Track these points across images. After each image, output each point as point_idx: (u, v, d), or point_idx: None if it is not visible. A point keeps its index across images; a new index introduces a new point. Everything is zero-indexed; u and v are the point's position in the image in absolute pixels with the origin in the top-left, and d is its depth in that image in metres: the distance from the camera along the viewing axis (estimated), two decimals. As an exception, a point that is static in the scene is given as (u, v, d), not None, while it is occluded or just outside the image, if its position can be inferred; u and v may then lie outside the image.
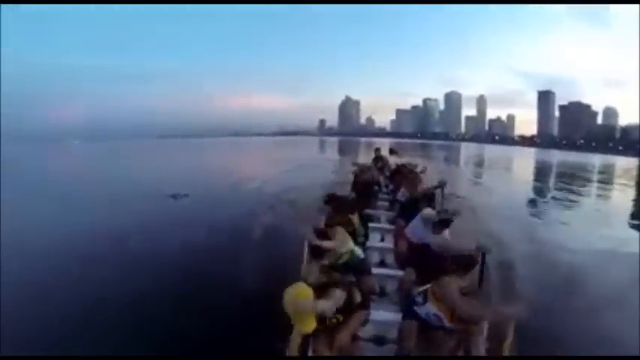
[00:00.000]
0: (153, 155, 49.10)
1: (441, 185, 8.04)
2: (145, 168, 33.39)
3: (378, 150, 14.30)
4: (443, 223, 5.45)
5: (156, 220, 12.49)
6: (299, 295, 3.10)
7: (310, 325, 3.11)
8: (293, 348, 3.33)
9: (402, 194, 8.14)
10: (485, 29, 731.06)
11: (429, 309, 3.64)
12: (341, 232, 4.85)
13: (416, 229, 5.78)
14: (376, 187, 10.24)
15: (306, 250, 4.34)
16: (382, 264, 6.28)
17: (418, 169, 10.53)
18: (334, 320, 3.47)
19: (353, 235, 5.28)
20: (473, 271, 3.97)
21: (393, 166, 12.37)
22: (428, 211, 5.83)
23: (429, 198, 7.43)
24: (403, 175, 9.90)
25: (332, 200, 6.22)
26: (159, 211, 13.83)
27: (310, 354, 3.47)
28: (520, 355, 4.04)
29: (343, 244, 4.72)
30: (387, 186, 11.03)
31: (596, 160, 68.12)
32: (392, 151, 14.08)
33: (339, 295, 3.45)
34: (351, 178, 10.89)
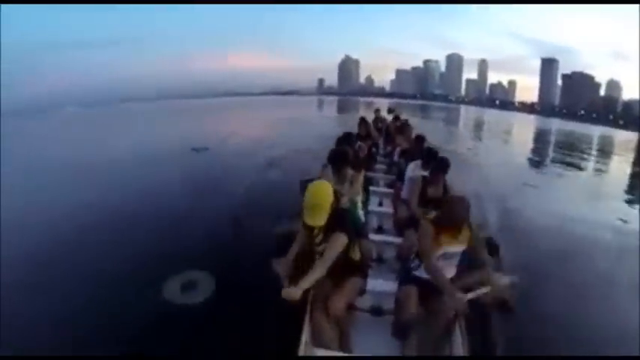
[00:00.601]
0: (154, 117, 46.99)
1: (421, 139, 7.86)
2: (146, 130, 32.13)
3: (377, 110, 14.40)
4: (428, 163, 5.58)
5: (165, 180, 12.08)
6: (322, 188, 3.17)
7: (320, 219, 3.09)
8: (288, 260, 3.36)
9: (398, 154, 8.25)
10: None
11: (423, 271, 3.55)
12: (359, 179, 4.92)
13: (408, 188, 5.76)
14: (374, 149, 10.10)
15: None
16: (380, 230, 6.15)
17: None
18: (318, 243, 3.34)
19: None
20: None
21: (388, 122, 12.70)
22: (412, 165, 6.06)
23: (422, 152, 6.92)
24: (396, 129, 10.37)
25: (349, 139, 6.53)
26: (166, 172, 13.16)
27: (306, 324, 3.36)
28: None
29: (357, 192, 4.80)
30: (385, 148, 11.04)
31: (596, 131, 68.14)
32: (390, 111, 14.10)
33: (355, 283, 3.48)
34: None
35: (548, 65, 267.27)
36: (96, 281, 5.46)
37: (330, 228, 3.18)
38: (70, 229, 7.76)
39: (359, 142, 8.34)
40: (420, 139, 7.79)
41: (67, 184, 12.21)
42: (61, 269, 5.96)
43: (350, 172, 4.87)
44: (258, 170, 12.06)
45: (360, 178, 4.97)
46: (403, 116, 13.93)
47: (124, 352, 4.07)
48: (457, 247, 3.49)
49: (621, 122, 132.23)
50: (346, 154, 4.93)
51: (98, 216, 8.62)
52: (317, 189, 3.15)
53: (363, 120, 10.50)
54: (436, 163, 5.28)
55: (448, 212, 3.41)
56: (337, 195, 3.30)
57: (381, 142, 11.33)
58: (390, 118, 13.37)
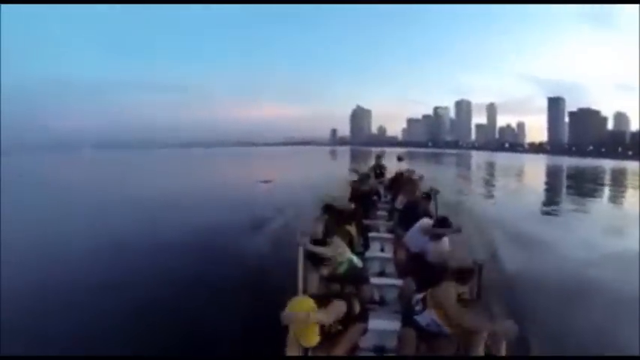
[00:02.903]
0: (166, 164, 50.86)
1: (433, 193, 8.24)
2: (155, 176, 35.53)
3: (378, 157, 14.09)
4: (441, 234, 5.39)
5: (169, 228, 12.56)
6: (302, 307, 3.13)
7: (313, 339, 3.14)
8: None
9: (401, 202, 8.11)
10: (494, 36, 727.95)
11: (428, 316, 3.69)
12: (338, 242, 4.78)
13: (414, 238, 5.78)
14: (375, 197, 9.99)
15: (301, 258, 4.33)
16: (382, 274, 6.26)
17: (415, 176, 10.49)
18: (333, 330, 3.45)
19: (351, 245, 5.27)
20: (472, 281, 3.98)
21: (392, 174, 12.31)
22: (426, 222, 5.84)
23: (424, 208, 7.24)
24: (401, 182, 9.97)
25: (328, 210, 6.10)
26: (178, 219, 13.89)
27: None
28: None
29: (340, 253, 4.60)
30: (386, 195, 10.98)
31: (605, 165, 69.52)
32: (399, 159, 13.59)
33: (339, 306, 3.45)
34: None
35: (555, 104, 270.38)
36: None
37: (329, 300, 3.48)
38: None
39: (346, 203, 7.98)
40: (428, 196, 7.98)
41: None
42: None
43: (331, 240, 4.83)
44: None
45: (337, 241, 4.83)
46: (414, 167, 14.11)
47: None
48: (451, 332, 3.65)
49: (630, 153, 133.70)
50: (321, 241, 4.82)
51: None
52: (293, 309, 3.13)
53: (377, 164, 11.92)
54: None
55: (464, 277, 3.79)
56: (326, 303, 3.39)
57: (382, 189, 11.24)
58: (400, 165, 12.87)
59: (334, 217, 5.91)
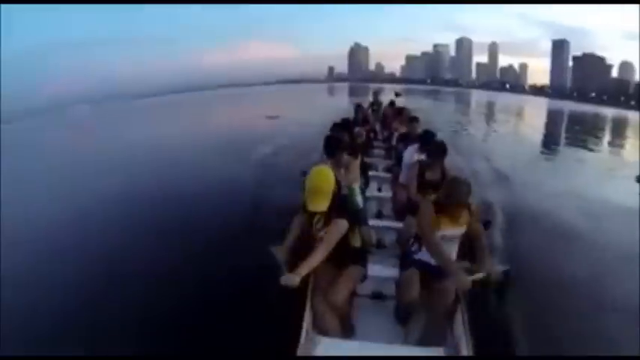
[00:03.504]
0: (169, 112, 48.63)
1: (415, 120, 7.73)
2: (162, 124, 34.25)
3: (375, 94, 14.33)
4: (424, 147, 5.48)
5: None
6: (323, 174, 3.16)
7: (323, 204, 3.08)
8: (286, 246, 3.35)
9: (396, 138, 8.11)
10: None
11: (425, 254, 3.56)
12: (356, 165, 4.83)
13: (406, 173, 5.67)
14: (372, 135, 9.99)
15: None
16: (379, 215, 6.19)
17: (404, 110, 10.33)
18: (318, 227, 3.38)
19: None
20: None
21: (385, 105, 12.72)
22: (409, 149, 6.00)
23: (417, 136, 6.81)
24: (393, 113, 10.25)
25: (343, 126, 6.17)
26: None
27: (307, 311, 3.37)
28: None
29: (355, 177, 4.64)
30: (382, 133, 10.93)
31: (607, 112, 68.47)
32: (397, 94, 13.93)
33: (357, 272, 3.50)
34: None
35: (559, 47, 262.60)
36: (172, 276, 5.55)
37: (330, 214, 3.21)
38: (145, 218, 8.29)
39: (357, 128, 8.16)
40: (414, 119, 7.71)
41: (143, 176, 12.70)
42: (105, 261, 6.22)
43: (346, 157, 4.82)
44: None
45: (357, 163, 4.95)
46: (411, 103, 14.32)
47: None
48: (456, 230, 3.51)
49: (632, 103, 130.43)
50: (340, 141, 4.86)
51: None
52: (318, 174, 3.16)
53: (359, 106, 10.42)
54: (432, 147, 5.18)
55: (448, 193, 3.40)
56: (338, 181, 3.30)
57: (378, 126, 11.27)
58: (396, 100, 13.21)
59: (349, 137, 5.88)
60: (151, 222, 7.91)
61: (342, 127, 6.54)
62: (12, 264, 5.90)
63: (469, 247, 3.64)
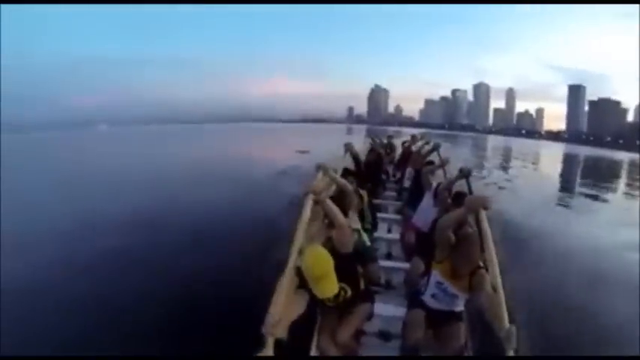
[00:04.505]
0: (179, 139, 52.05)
1: (465, 173, 6.08)
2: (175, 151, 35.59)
3: (389, 137, 14.13)
4: (457, 196, 4.82)
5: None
6: (321, 257, 2.88)
7: (332, 287, 2.87)
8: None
9: (409, 174, 7.97)
10: (516, 20, 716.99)
11: (432, 282, 3.46)
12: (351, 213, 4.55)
13: (422, 216, 5.47)
14: (384, 176, 9.78)
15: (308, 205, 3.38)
16: (389, 256, 6.08)
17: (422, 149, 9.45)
18: (343, 293, 3.20)
19: (361, 216, 5.04)
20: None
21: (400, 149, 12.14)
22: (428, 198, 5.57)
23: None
24: (407, 154, 9.83)
25: (345, 171, 5.85)
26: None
27: (313, 350, 3.42)
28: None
29: (352, 219, 4.39)
30: (394, 175, 10.72)
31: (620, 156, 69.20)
32: (413, 138, 12.46)
33: (365, 310, 3.45)
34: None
35: (576, 92, 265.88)
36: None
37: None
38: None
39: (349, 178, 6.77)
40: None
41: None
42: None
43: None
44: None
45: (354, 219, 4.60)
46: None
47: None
48: (457, 289, 3.34)
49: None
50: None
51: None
52: (316, 258, 2.88)
53: (388, 143, 11.73)
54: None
55: (458, 252, 3.28)
56: (334, 249, 3.14)
57: (391, 168, 11.10)
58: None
59: (350, 178, 5.33)
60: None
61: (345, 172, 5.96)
62: (13, 275, 6.38)
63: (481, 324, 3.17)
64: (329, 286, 2.86)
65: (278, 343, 2.51)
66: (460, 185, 5.32)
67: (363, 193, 5.35)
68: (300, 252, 3.02)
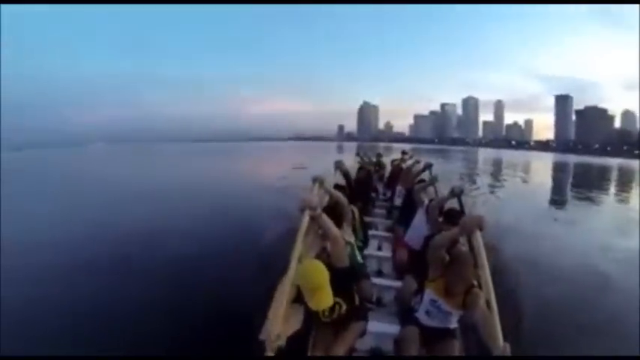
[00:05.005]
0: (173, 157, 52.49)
1: (457, 191, 5.97)
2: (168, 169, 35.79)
3: (379, 155, 14.09)
4: (452, 212, 4.82)
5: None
6: (317, 270, 2.88)
7: (327, 300, 2.87)
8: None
9: (399, 193, 7.96)
10: (503, 34, 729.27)
11: (426, 300, 3.44)
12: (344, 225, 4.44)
13: (415, 234, 5.37)
14: (374, 194, 9.83)
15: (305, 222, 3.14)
16: (380, 273, 6.05)
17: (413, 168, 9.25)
18: (338, 308, 3.24)
19: (354, 231, 4.97)
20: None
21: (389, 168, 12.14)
22: (420, 216, 5.51)
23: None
24: (397, 172, 9.85)
25: (336, 186, 5.66)
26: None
27: None
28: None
29: (346, 233, 4.27)
30: (384, 193, 10.71)
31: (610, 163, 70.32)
32: (403, 153, 12.61)
33: (358, 328, 3.42)
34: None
35: (562, 101, 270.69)
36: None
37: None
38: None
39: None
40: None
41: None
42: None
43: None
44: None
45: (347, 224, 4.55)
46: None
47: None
48: (450, 307, 3.32)
49: (636, 152, 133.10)
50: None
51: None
52: (311, 271, 2.87)
53: (377, 162, 11.48)
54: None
55: (452, 271, 3.28)
56: (330, 264, 3.08)
57: (381, 186, 11.13)
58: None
59: (346, 190, 5.51)
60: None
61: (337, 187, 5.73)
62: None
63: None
64: (324, 299, 2.85)
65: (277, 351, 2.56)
66: (451, 202, 5.34)
67: (355, 209, 5.25)
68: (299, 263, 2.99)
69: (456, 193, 5.43)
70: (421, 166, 8.39)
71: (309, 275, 2.83)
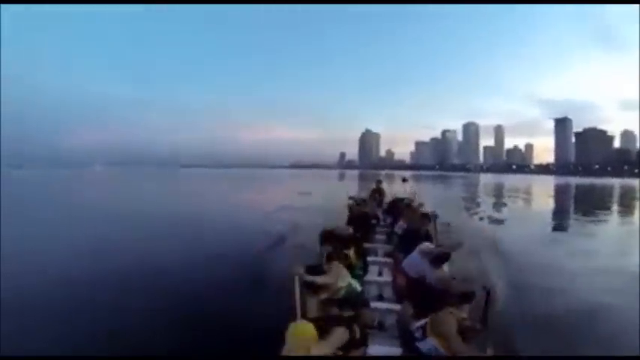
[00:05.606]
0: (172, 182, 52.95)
1: (432, 217, 7.68)
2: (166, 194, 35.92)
3: (379, 182, 14.33)
4: (441, 258, 5.35)
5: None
6: (304, 333, 3.04)
7: (303, 354, 3.00)
8: None
9: (400, 226, 8.00)
10: (501, 60, 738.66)
11: (430, 342, 3.56)
12: (337, 267, 4.70)
13: (413, 263, 5.65)
14: (374, 221, 9.91)
15: (297, 286, 3.83)
16: (380, 298, 6.13)
17: (415, 204, 10.12)
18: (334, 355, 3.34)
19: (350, 269, 5.10)
20: (477, 305, 3.71)
21: (390, 199, 12.39)
22: (426, 245, 5.75)
23: (426, 233, 7.00)
24: (400, 207, 9.94)
25: (327, 237, 5.82)
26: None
27: None
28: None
29: (340, 278, 4.53)
30: (385, 219, 10.80)
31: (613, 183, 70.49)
32: (404, 180, 13.43)
33: (340, 334, 3.43)
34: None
35: (562, 124, 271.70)
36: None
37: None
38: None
39: (339, 227, 7.13)
40: (426, 216, 7.52)
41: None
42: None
43: (327, 267, 4.74)
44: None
45: (335, 266, 4.70)
46: (420, 189, 14.22)
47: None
48: (451, 353, 3.42)
49: (637, 171, 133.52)
50: (318, 269, 4.61)
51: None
52: (297, 333, 3.03)
53: (350, 207, 10.32)
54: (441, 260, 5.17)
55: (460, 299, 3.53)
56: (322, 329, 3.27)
57: (380, 213, 11.14)
58: (405, 186, 12.98)
59: (333, 244, 5.56)
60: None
61: (323, 239, 5.99)
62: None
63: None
64: (301, 353, 2.98)
65: None
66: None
67: (349, 252, 5.51)
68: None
69: (433, 218, 6.40)
70: (424, 210, 8.66)
71: (294, 335, 2.99)
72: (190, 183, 51.58)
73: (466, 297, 3.63)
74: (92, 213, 19.50)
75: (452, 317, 3.45)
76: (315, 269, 4.50)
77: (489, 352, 3.26)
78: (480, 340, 3.47)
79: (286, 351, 2.99)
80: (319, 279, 4.27)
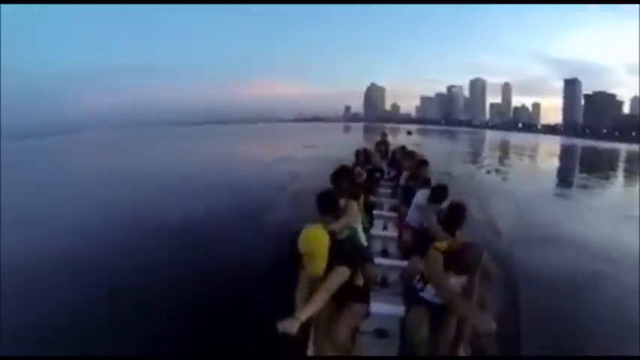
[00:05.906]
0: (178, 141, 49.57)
1: (423, 162, 7.61)
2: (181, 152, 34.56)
3: (384, 134, 14.38)
4: (438, 194, 5.36)
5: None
6: (317, 237, 2.96)
7: (319, 267, 2.98)
8: (300, 293, 3.13)
9: (404, 177, 7.88)
10: (511, 16, 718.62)
11: (429, 293, 3.54)
12: (353, 205, 4.56)
13: (414, 214, 5.72)
14: (378, 174, 9.77)
15: None
16: (384, 253, 6.02)
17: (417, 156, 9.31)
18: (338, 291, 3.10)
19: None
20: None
21: (393, 148, 12.45)
22: (420, 194, 5.77)
23: (425, 179, 7.12)
24: (401, 157, 9.89)
25: (342, 174, 5.38)
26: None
27: (310, 348, 3.43)
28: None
29: (354, 219, 4.43)
30: (389, 172, 10.72)
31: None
32: (409, 133, 12.88)
33: (344, 271, 3.09)
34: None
35: (571, 86, 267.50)
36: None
37: (330, 262, 3.04)
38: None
39: (357, 168, 7.50)
40: (424, 163, 7.53)
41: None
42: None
43: (343, 201, 4.53)
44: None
45: (354, 205, 4.61)
46: (425, 143, 14.29)
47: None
48: (459, 279, 3.46)
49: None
50: (331, 198, 4.34)
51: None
52: (309, 237, 2.96)
53: (361, 151, 9.67)
54: (450, 214, 4.73)
55: (458, 260, 3.36)
56: (332, 232, 3.25)
57: (385, 166, 11.07)
58: (408, 138, 12.99)
59: (348, 183, 5.34)
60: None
61: (340, 176, 5.48)
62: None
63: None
64: (316, 266, 2.97)
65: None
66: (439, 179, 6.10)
67: (359, 201, 5.32)
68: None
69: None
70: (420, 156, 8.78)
71: (307, 241, 2.93)
72: (200, 140, 50.16)
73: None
74: (94, 175, 19.47)
75: (435, 253, 3.48)
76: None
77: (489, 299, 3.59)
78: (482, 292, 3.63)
79: (304, 258, 2.99)
80: (335, 226, 4.06)
